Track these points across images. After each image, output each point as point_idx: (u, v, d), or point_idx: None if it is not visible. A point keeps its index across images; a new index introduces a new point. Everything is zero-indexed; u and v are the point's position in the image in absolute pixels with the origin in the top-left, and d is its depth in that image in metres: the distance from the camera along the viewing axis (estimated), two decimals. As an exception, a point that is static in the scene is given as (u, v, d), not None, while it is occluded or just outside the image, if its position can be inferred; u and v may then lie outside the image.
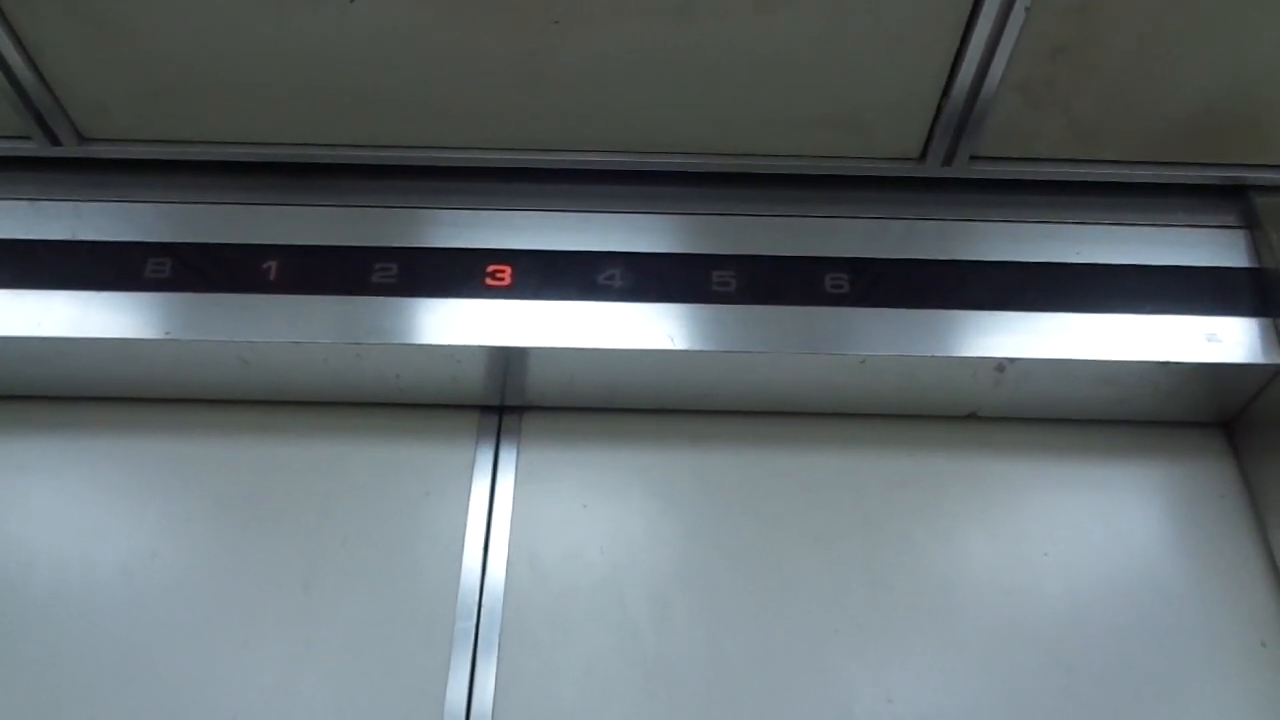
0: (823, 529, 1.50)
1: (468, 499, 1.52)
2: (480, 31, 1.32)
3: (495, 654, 1.40)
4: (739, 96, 1.41)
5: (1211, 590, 1.48)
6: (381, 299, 1.48)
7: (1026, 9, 1.27)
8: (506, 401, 1.59)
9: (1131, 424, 1.59)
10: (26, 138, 1.50)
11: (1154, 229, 1.55)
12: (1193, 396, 1.54)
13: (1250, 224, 1.56)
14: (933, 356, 1.45)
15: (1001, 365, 1.47)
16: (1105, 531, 1.52)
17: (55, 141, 1.50)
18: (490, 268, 1.50)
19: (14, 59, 1.38)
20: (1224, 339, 1.47)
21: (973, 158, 1.50)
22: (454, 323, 1.47)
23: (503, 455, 1.57)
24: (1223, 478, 1.57)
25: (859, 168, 1.52)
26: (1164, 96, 1.42)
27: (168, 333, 1.45)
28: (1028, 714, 1.38)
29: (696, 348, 1.45)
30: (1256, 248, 1.55)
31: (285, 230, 1.53)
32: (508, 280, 1.49)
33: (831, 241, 1.52)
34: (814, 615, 1.44)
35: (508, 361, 1.50)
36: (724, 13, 1.30)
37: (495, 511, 1.52)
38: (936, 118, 1.44)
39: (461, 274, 1.50)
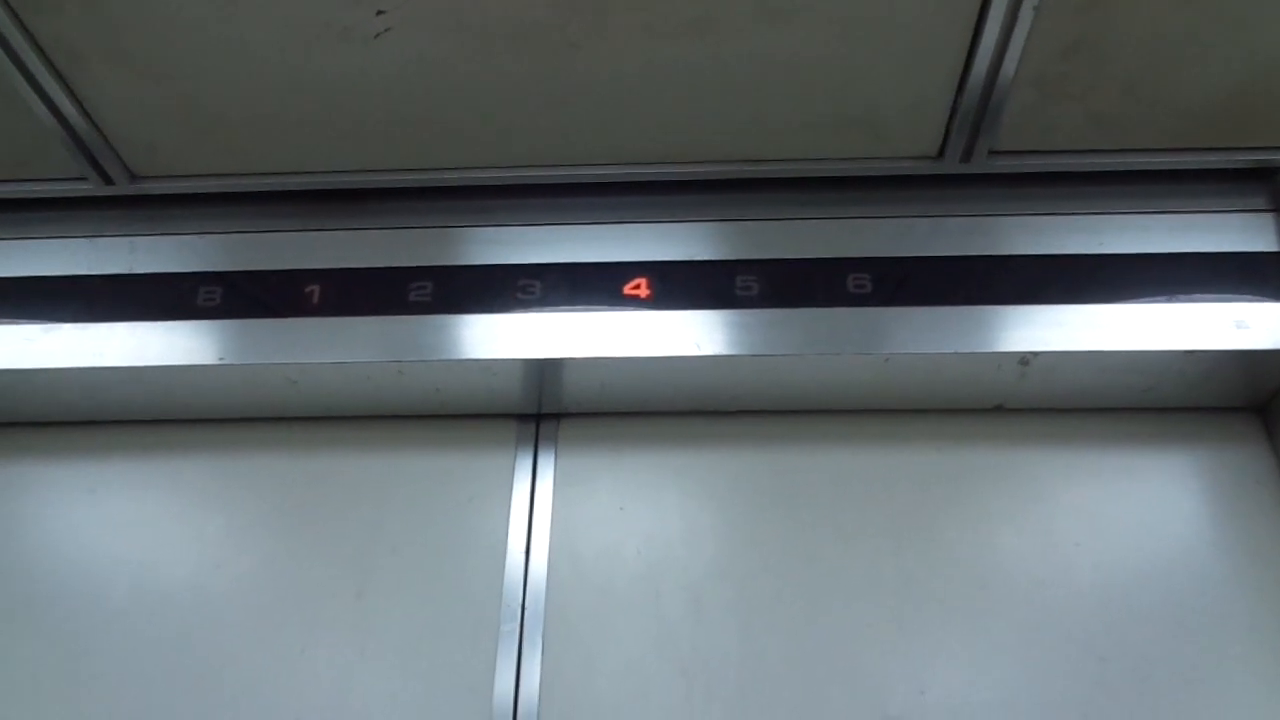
0: (853, 524, 1.53)
1: (509, 504, 1.58)
2: (501, 58, 1.37)
3: (539, 652, 1.46)
4: (756, 104, 1.44)
5: (1246, 578, 1.48)
6: (419, 317, 1.54)
7: (1035, 9, 1.28)
8: (543, 409, 1.65)
9: (1162, 411, 1.59)
10: (82, 179, 1.59)
11: (1178, 216, 1.55)
12: (1223, 383, 1.54)
13: (1278, 207, 1.55)
14: (956, 353, 1.46)
15: (1025, 359, 1.48)
16: (1137, 520, 1.52)
17: (108, 181, 1.59)
18: (521, 281, 1.55)
19: (66, 107, 1.46)
20: (1253, 325, 1.47)
21: (991, 152, 1.51)
22: (489, 336, 1.53)
23: (541, 461, 1.62)
24: (1258, 463, 1.57)
25: (878, 168, 1.54)
26: (1183, 84, 1.42)
27: (221, 358, 1.53)
28: (1060, 705, 1.40)
29: (722, 353, 1.48)
30: (1285, 230, 1.54)
31: (325, 255, 1.60)
32: (538, 293, 1.54)
33: (853, 242, 1.54)
34: (846, 610, 1.47)
35: (542, 371, 1.55)
36: (737, 25, 1.33)
37: (535, 515, 1.58)
38: (952, 115, 1.46)
39: (494, 289, 1.55)
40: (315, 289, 1.57)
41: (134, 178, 1.60)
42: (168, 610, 1.53)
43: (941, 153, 1.51)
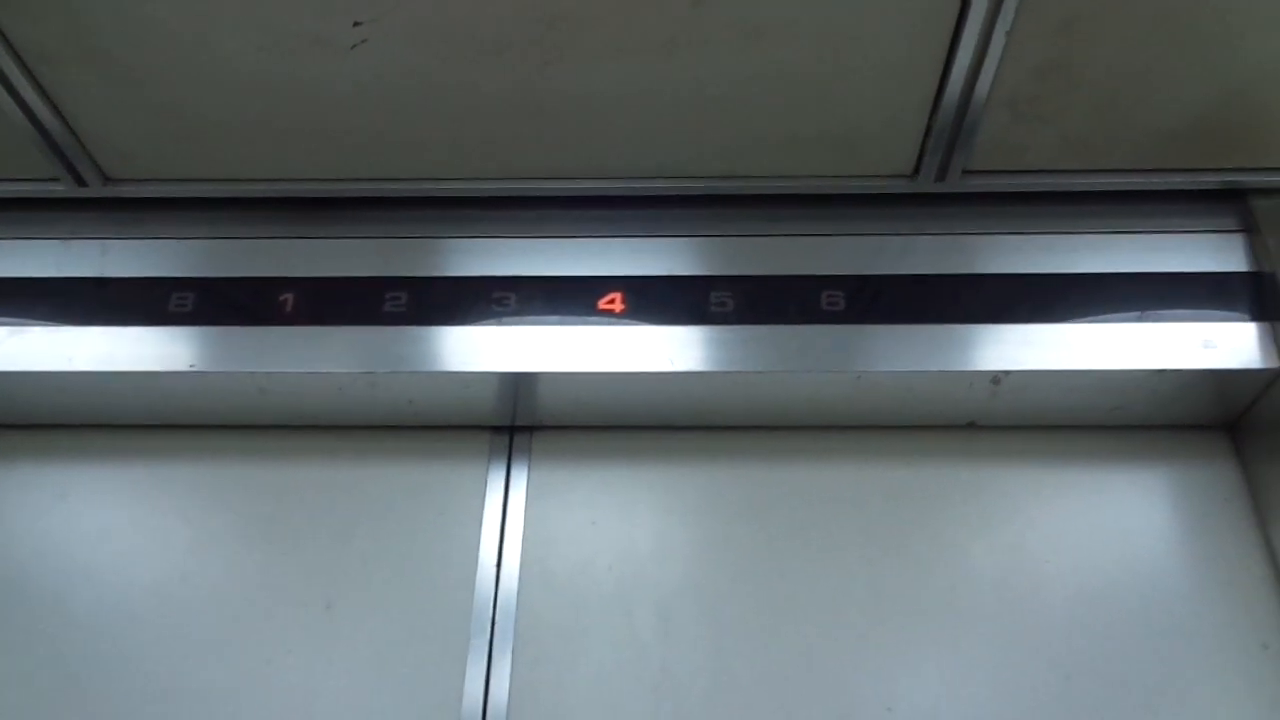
0: (825, 541, 1.54)
1: (481, 517, 1.58)
2: (478, 71, 1.37)
3: (509, 666, 1.46)
4: (731, 121, 1.45)
5: (1214, 594, 1.49)
6: (393, 328, 1.54)
7: (1007, 32, 1.29)
8: (517, 422, 1.65)
9: (1133, 429, 1.61)
10: (55, 180, 1.58)
11: (1150, 236, 1.56)
12: (1192, 402, 1.55)
13: (1248, 228, 1.57)
14: (928, 371, 1.47)
15: (997, 378, 1.49)
16: (1107, 538, 1.53)
17: (81, 183, 1.58)
18: (496, 294, 1.55)
19: (40, 109, 1.45)
20: (1221, 345, 1.48)
21: (965, 172, 1.52)
22: (463, 349, 1.53)
23: (514, 474, 1.62)
24: (1226, 481, 1.58)
25: (852, 186, 1.55)
26: (1154, 107, 1.43)
27: (191, 365, 1.52)
28: (1028, 721, 1.40)
29: (696, 369, 1.49)
30: (1254, 251, 1.55)
31: (300, 263, 1.59)
32: (513, 305, 1.54)
33: (827, 259, 1.55)
34: (817, 626, 1.47)
35: (516, 384, 1.55)
36: (712, 43, 1.34)
37: (507, 528, 1.57)
38: (927, 135, 1.46)
39: (469, 301, 1.55)
40: (289, 297, 1.56)
41: (107, 180, 1.58)
42: (133, 620, 1.52)
43: (916, 172, 1.52)
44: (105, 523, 1.60)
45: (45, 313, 1.58)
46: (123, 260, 1.61)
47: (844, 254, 1.55)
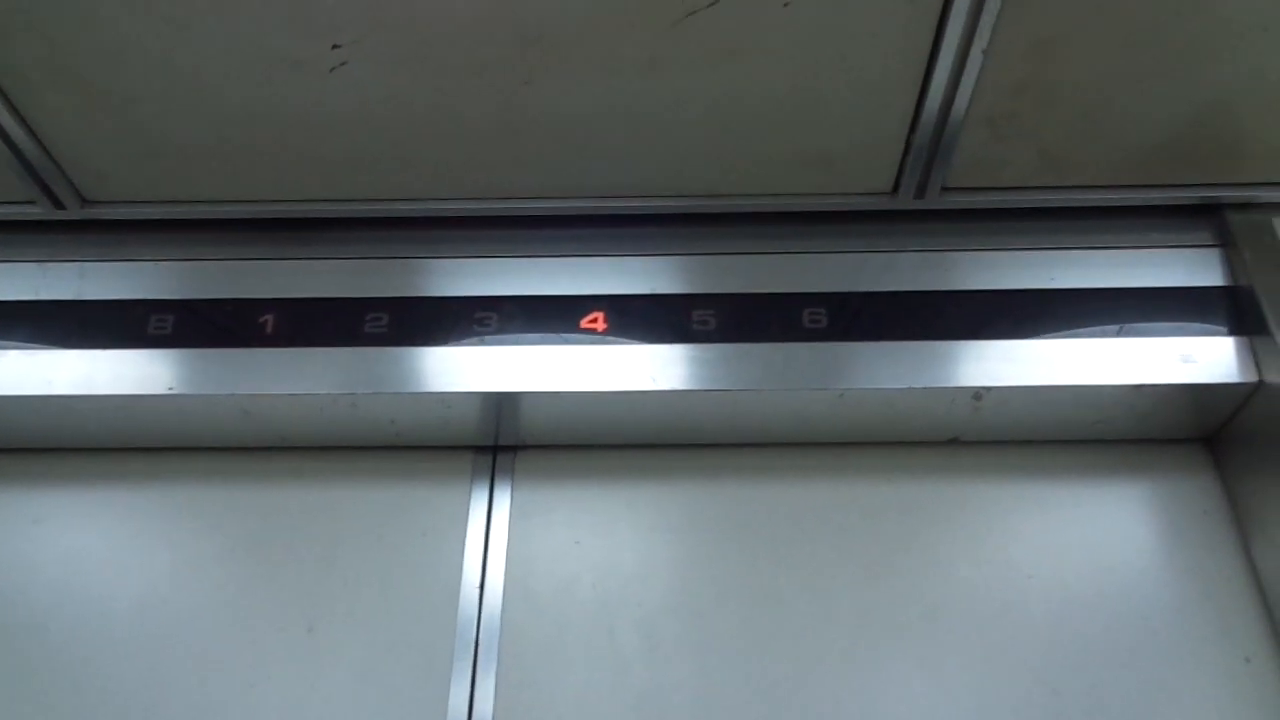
0: (808, 558, 1.54)
1: (464, 537, 1.57)
2: (458, 92, 1.37)
3: (493, 688, 1.45)
4: (710, 141, 1.45)
5: (1196, 607, 1.49)
6: (374, 348, 1.53)
7: (984, 51, 1.30)
8: (500, 441, 1.64)
9: (1113, 443, 1.61)
10: (31, 202, 1.56)
11: (1127, 251, 1.58)
12: (1171, 415, 1.56)
13: (1224, 242, 1.58)
14: (909, 388, 1.48)
15: (978, 394, 1.49)
16: (1089, 551, 1.54)
17: (59, 205, 1.57)
18: (478, 314, 1.55)
19: (15, 132, 1.44)
20: (1199, 359, 1.49)
21: (944, 189, 1.53)
22: (445, 369, 1.52)
23: (497, 494, 1.61)
24: (1206, 493, 1.59)
25: (833, 203, 1.55)
26: (1130, 123, 1.44)
27: (170, 388, 1.51)
28: (1013, 738, 1.40)
29: (678, 387, 1.49)
30: (1231, 266, 1.56)
31: (280, 284, 1.58)
32: (495, 325, 1.54)
33: (808, 277, 1.55)
34: (800, 644, 1.47)
35: (499, 404, 1.55)
36: (692, 64, 1.34)
37: (491, 548, 1.56)
38: (906, 152, 1.47)
39: (451, 321, 1.55)
40: (269, 318, 1.56)
41: (85, 202, 1.57)
42: (112, 645, 1.50)
43: (895, 189, 1.53)
44: (83, 547, 1.59)
45: (22, 335, 1.57)
46: (101, 282, 1.60)
47: (825, 271, 1.56)
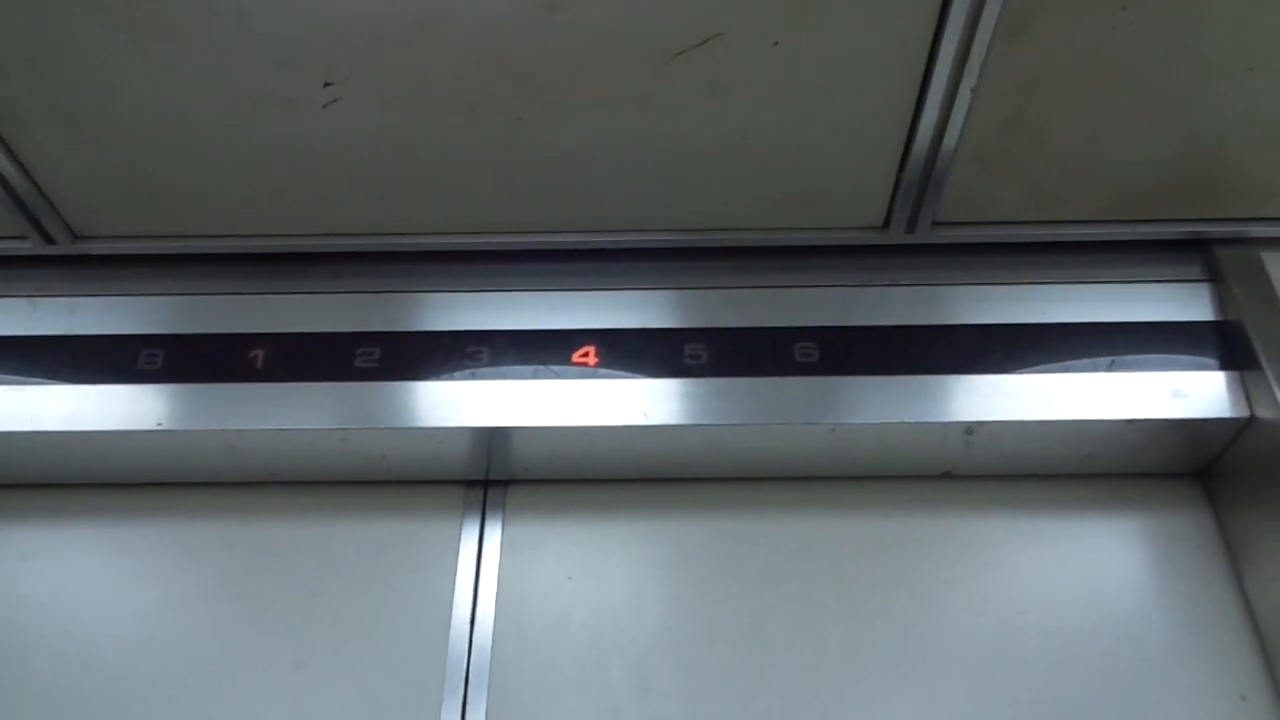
0: (801, 593, 1.53)
1: (455, 572, 1.56)
2: (449, 129, 1.38)
3: (483, 728, 1.44)
4: (701, 178, 1.46)
5: (1190, 644, 1.49)
6: (365, 383, 1.52)
7: (972, 89, 1.31)
8: (491, 476, 1.63)
9: (1106, 477, 1.61)
10: (22, 238, 1.56)
11: (1117, 286, 1.58)
12: (1163, 450, 1.56)
13: (1214, 277, 1.59)
14: (901, 423, 1.47)
15: (970, 429, 1.49)
16: (1082, 587, 1.53)
17: (49, 240, 1.56)
18: (469, 348, 1.55)
19: (6, 166, 1.44)
20: (1190, 394, 1.49)
21: (935, 223, 1.53)
22: (436, 404, 1.51)
23: (488, 528, 1.60)
24: (1199, 528, 1.58)
25: (824, 238, 1.56)
26: (1119, 159, 1.45)
27: (159, 424, 1.50)
28: (1007, 777, 1.39)
29: (670, 422, 1.48)
30: (1220, 300, 1.57)
31: (271, 319, 1.58)
32: (485, 359, 1.53)
33: (800, 312, 1.55)
34: (793, 681, 1.46)
35: (490, 439, 1.54)
36: (683, 101, 1.35)
37: (481, 584, 1.55)
38: (896, 188, 1.48)
39: (442, 355, 1.54)
40: (260, 353, 1.55)
41: (76, 238, 1.57)
42: (99, 683, 1.48)
43: (886, 223, 1.53)
44: (70, 582, 1.57)
45: (11, 371, 1.56)
46: (91, 317, 1.60)
47: (817, 306, 1.56)
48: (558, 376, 1.52)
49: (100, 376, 1.55)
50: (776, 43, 1.26)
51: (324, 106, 1.35)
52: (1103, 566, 1.55)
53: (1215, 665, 1.47)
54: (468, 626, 1.51)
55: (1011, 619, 1.51)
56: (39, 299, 1.62)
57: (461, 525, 1.60)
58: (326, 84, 1.32)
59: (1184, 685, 1.46)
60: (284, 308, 1.59)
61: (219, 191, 1.49)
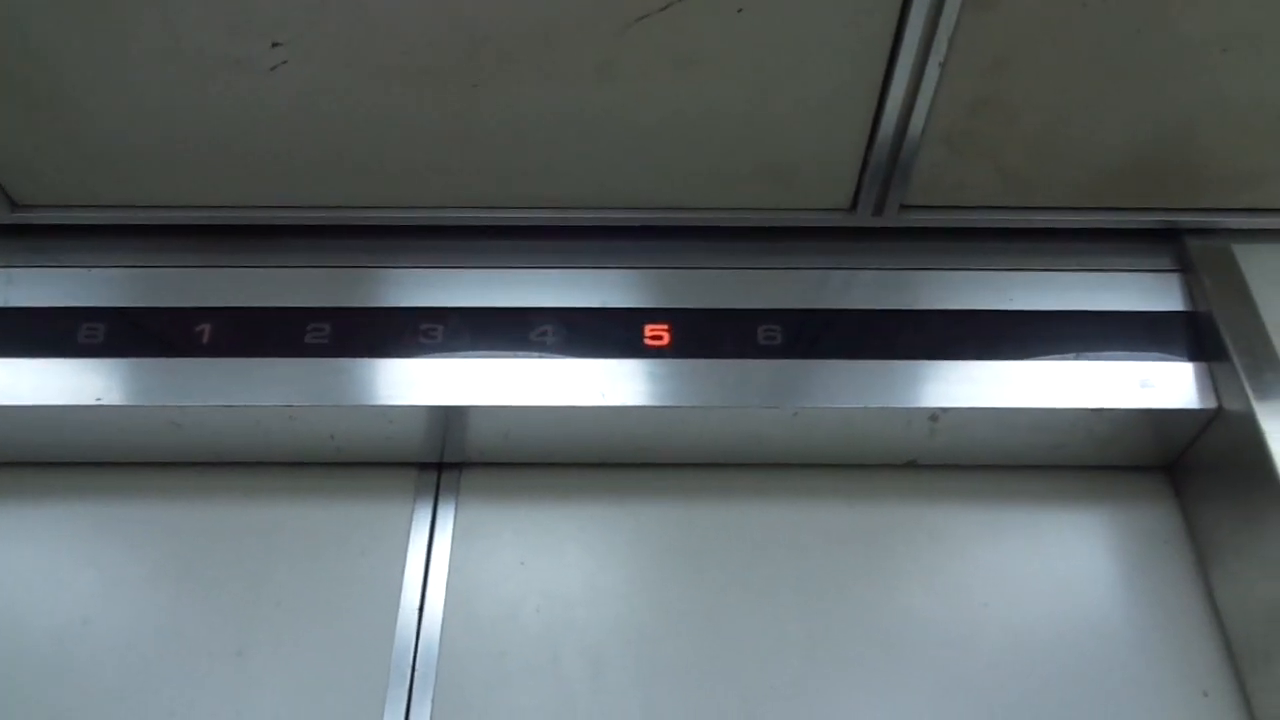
0: (761, 582, 1.49)
1: (405, 558, 1.51)
2: (402, 95, 1.33)
3: (429, 717, 1.38)
4: (664, 152, 1.42)
5: (1154, 638, 1.46)
6: (315, 360, 1.48)
7: (940, 65, 1.28)
8: (445, 458, 1.58)
9: (1072, 469, 1.59)
10: (-42, 206, 1.51)
11: (1087, 274, 1.55)
12: (1130, 441, 1.53)
13: (1184, 268, 1.57)
14: (865, 408, 1.44)
15: (935, 415, 1.46)
16: (1046, 580, 1.50)
17: (-13, 208, 1.51)
18: (424, 325, 1.50)
19: (-58, 129, 1.38)
20: (1157, 384, 1.47)
21: (903, 207, 1.50)
22: (388, 382, 1.47)
23: (440, 512, 1.55)
24: (1166, 522, 1.56)
25: (790, 219, 1.52)
26: (1090, 145, 1.43)
27: (98, 399, 1.45)
28: (966, 770, 1.36)
29: (629, 403, 1.44)
30: (1190, 291, 1.55)
31: (219, 293, 1.52)
32: (441, 338, 1.49)
33: (764, 293, 1.52)
34: (751, 671, 1.42)
35: (445, 419, 1.49)
36: (644, 73, 1.31)
37: (432, 569, 1.50)
38: (864, 168, 1.45)
39: (394, 332, 1.50)
40: (206, 328, 1.50)
41: (15, 206, 1.51)
42: (32, 668, 1.42)
43: (854, 205, 1.50)
44: (2, 564, 1.51)
45: (-56, 344, 1.50)
46: (29, 289, 1.54)
47: (781, 288, 1.52)
48: (515, 355, 1.48)
49: (38, 350, 1.49)
50: (740, 10, 1.23)
51: (272, 69, 1.30)
52: (1067, 559, 1.53)
53: (1178, 660, 1.44)
54: (416, 613, 1.46)
55: (974, 611, 1.48)
56: (-25, 269, 1.56)
57: (414, 509, 1.55)
58: (274, 44, 1.27)
59: (1146, 680, 1.43)
60: (232, 281, 1.53)
61: (164, 159, 1.43)
